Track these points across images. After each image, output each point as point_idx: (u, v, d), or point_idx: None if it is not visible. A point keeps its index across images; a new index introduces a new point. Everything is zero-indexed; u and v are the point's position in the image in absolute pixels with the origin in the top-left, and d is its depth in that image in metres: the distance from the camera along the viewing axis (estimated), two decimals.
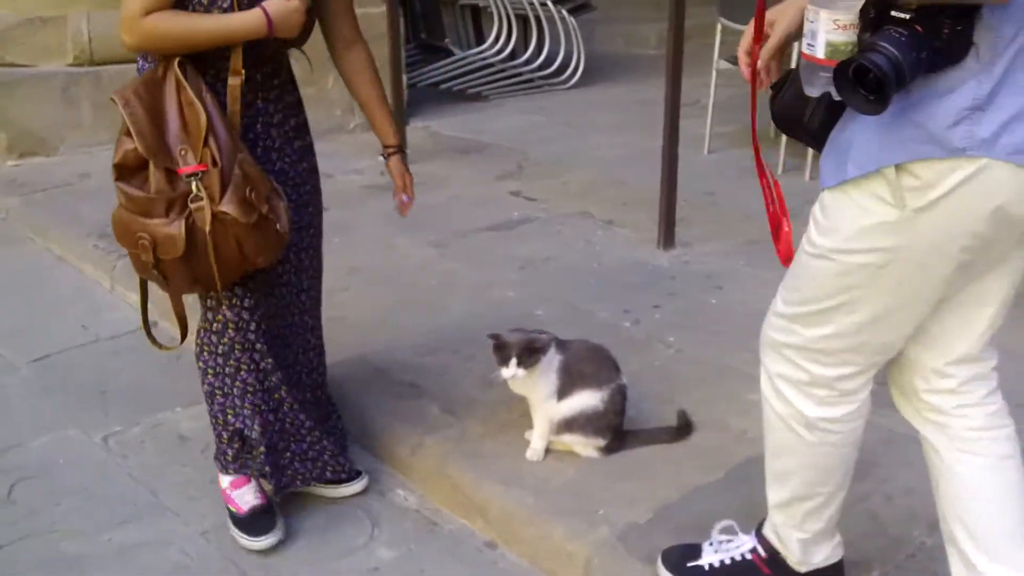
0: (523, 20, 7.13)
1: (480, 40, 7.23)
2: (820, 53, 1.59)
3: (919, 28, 1.47)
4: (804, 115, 1.75)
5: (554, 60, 7.13)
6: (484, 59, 7.00)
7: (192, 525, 2.53)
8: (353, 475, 2.62)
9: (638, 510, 2.38)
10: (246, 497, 2.48)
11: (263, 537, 2.42)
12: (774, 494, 2.02)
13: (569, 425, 2.56)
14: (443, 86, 6.84)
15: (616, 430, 2.60)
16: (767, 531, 2.08)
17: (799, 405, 1.84)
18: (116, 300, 3.85)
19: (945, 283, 1.69)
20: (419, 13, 7.42)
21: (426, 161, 5.35)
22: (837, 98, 1.59)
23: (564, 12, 7.09)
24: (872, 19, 1.55)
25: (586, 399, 2.55)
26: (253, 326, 2.39)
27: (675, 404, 2.82)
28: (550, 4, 7.03)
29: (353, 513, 2.56)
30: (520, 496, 2.46)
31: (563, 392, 2.55)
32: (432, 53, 7.22)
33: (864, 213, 1.64)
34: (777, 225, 1.93)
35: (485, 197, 4.73)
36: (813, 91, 1.65)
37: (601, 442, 2.58)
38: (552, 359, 2.54)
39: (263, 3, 2.17)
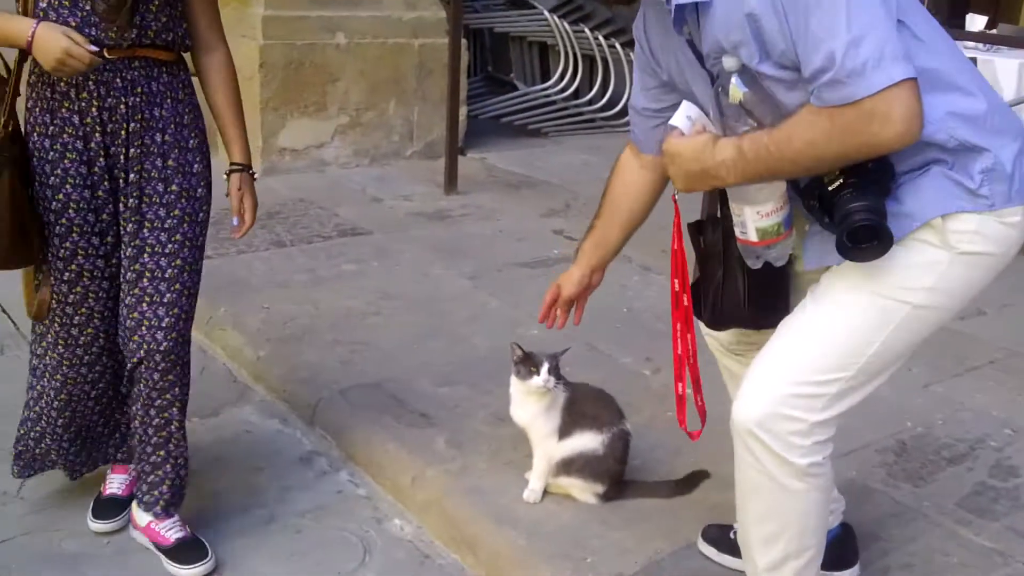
0: (589, 60, 7.17)
1: (545, 77, 7.29)
2: (753, 238, 1.86)
3: (855, 178, 1.66)
4: (742, 303, 2.02)
5: (618, 101, 7.15)
6: (547, 96, 7.05)
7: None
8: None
9: (627, 561, 2.36)
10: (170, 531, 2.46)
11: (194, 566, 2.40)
12: (764, 558, 1.99)
13: (568, 467, 2.55)
14: (504, 120, 6.90)
15: (616, 477, 2.59)
16: None
17: (789, 456, 1.84)
18: None
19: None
20: (487, 46, 7.51)
21: (477, 192, 5.41)
22: (778, 264, 1.93)
23: (631, 54, 7.11)
24: (818, 207, 1.73)
25: (587, 441, 2.54)
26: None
27: (684, 457, 2.80)
28: (618, 46, 7.07)
29: (347, 538, 2.58)
30: (512, 536, 2.45)
31: (564, 432, 2.55)
32: (497, 86, 7.30)
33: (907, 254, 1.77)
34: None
35: (528, 233, 4.75)
36: (756, 264, 1.94)
37: (599, 488, 2.57)
38: (557, 396, 2.54)
39: (40, 22, 2.05)
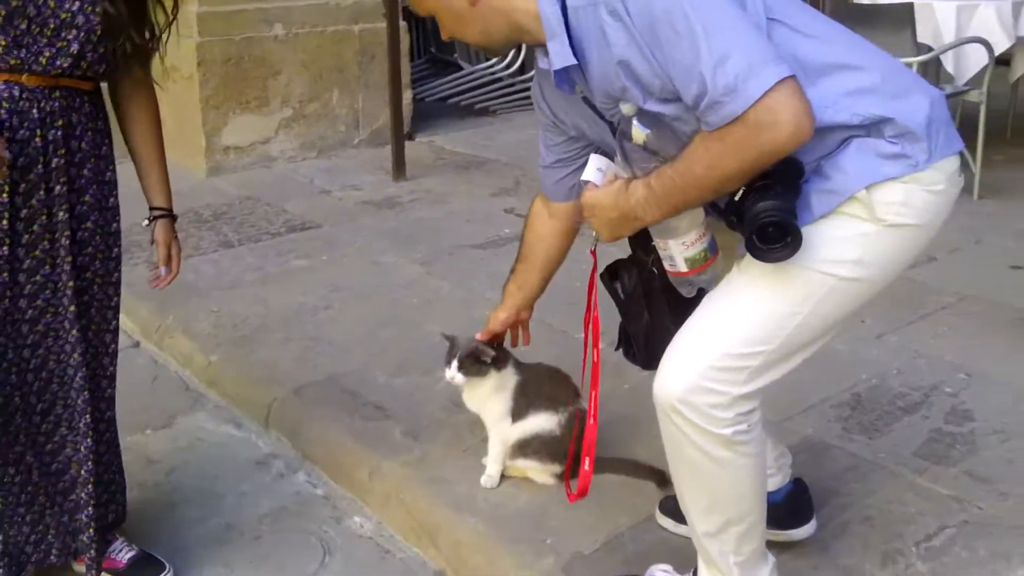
0: None
1: (489, 55, 7.23)
2: (683, 268, 1.91)
3: (761, 181, 1.67)
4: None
5: None
6: (493, 74, 7.01)
7: (148, 550, 2.53)
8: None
9: (588, 539, 2.36)
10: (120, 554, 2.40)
11: None
12: (704, 524, 1.99)
13: (523, 449, 2.54)
14: (451, 101, 6.85)
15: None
16: (703, 573, 2.05)
17: (712, 428, 1.83)
18: None
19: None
20: (429, 28, 7.45)
21: (426, 176, 5.37)
22: (711, 289, 1.93)
23: None
24: (737, 221, 1.73)
25: (542, 422, 2.53)
26: None
27: (643, 429, 2.78)
28: None
29: (306, 540, 2.56)
30: (472, 523, 2.44)
31: (518, 414, 2.53)
32: (442, 67, 7.25)
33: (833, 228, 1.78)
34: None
35: (478, 214, 4.72)
36: (691, 292, 1.99)
37: (557, 468, 2.56)
38: (507, 378, 2.52)
39: None
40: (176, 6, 2.22)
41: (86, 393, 2.23)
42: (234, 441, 3.01)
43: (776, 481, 2.27)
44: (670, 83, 1.68)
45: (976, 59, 5.06)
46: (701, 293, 1.98)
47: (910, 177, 1.75)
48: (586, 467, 2.26)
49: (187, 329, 3.55)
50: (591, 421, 2.22)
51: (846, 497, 2.49)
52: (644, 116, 1.77)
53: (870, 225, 1.76)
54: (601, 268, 2.18)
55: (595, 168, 1.89)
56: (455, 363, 2.47)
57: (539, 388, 2.57)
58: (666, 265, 1.94)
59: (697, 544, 2.04)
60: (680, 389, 1.81)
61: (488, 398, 2.52)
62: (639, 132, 1.78)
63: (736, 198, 1.71)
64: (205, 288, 3.89)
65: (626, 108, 1.78)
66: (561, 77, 1.83)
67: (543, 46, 1.83)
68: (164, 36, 2.24)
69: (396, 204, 4.93)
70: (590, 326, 2.21)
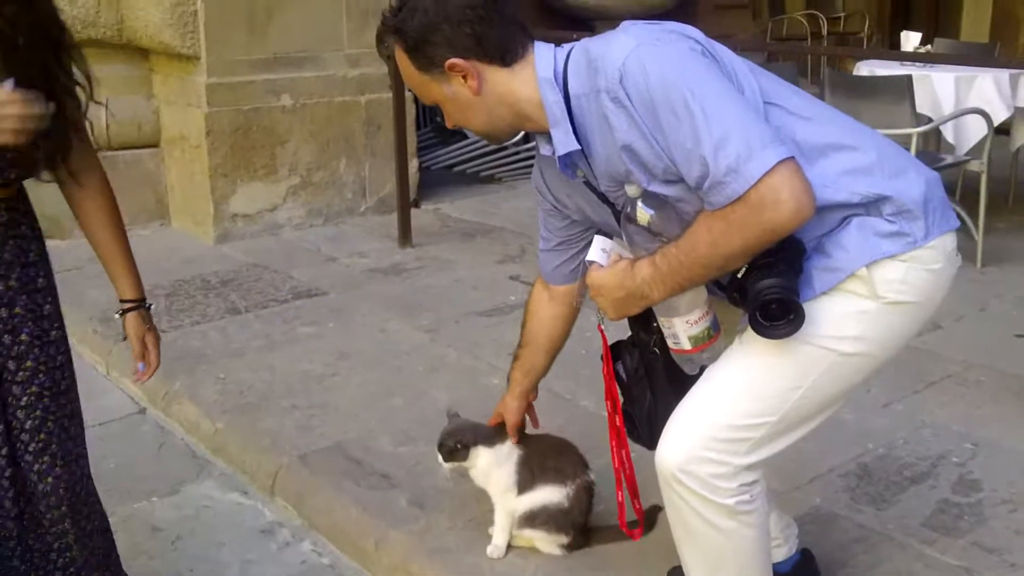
0: None
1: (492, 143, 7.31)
2: (687, 346, 1.91)
3: (764, 259, 1.70)
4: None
5: None
6: None
7: None
8: None
9: None
10: None
11: None
12: None
13: (531, 520, 2.53)
14: (457, 168, 6.92)
15: (581, 527, 2.57)
16: None
17: (715, 498, 1.85)
18: (109, 385, 3.89)
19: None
20: None
21: (432, 244, 5.41)
22: (712, 364, 1.93)
23: None
24: (740, 298, 1.76)
25: (549, 494, 2.52)
26: None
27: (647, 498, 2.78)
28: None
29: None
30: None
31: (524, 486, 2.52)
32: (447, 136, 7.32)
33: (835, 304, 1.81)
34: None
35: (484, 281, 4.75)
36: (694, 370, 1.98)
37: (564, 539, 2.55)
38: (509, 452, 2.52)
39: None
40: (90, 80, 2.02)
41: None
42: (241, 509, 3.01)
43: (783, 552, 2.27)
44: (673, 165, 1.71)
45: (976, 129, 5.12)
46: (703, 371, 1.99)
47: (909, 255, 1.79)
48: (637, 506, 2.44)
49: (193, 396, 3.56)
50: (627, 472, 2.35)
51: (854, 568, 2.48)
52: (648, 198, 1.80)
53: (870, 302, 1.79)
54: (610, 340, 2.20)
55: (599, 248, 1.92)
56: (440, 455, 2.51)
57: (544, 460, 2.56)
58: (670, 343, 1.95)
59: None
60: (681, 459, 1.84)
61: (490, 473, 2.52)
62: (643, 214, 1.82)
63: (739, 275, 1.74)
64: (212, 355, 3.90)
65: (631, 190, 1.82)
66: (564, 162, 1.87)
67: (546, 133, 1.87)
68: (84, 107, 2.04)
69: (402, 271, 4.96)
70: (609, 395, 2.23)
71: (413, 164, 5.94)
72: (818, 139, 1.77)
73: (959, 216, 4.97)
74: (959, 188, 5.39)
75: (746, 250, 1.68)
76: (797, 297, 1.71)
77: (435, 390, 3.55)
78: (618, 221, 1.92)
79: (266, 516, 2.97)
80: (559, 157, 1.85)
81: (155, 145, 5.80)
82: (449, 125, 1.99)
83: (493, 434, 2.52)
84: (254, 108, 5.52)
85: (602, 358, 2.19)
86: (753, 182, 1.60)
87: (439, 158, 7.00)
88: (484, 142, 7.03)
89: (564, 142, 1.83)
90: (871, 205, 1.78)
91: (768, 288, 1.69)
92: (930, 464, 2.98)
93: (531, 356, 2.42)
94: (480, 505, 2.71)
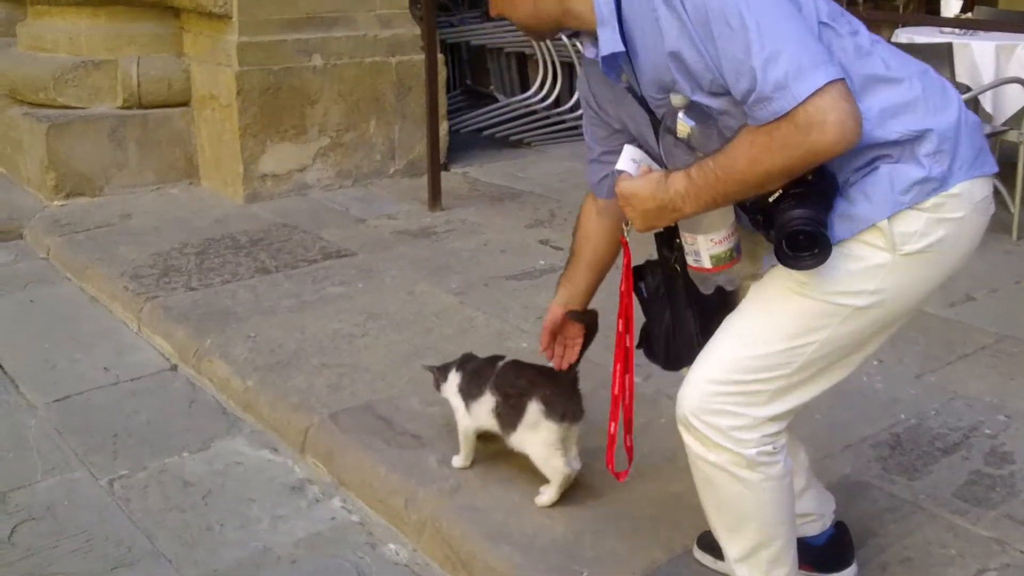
0: (568, 67, 7.16)
1: (525, 87, 7.28)
2: (708, 264, 1.88)
3: (797, 188, 1.68)
4: (694, 339, 2.00)
5: None
6: (528, 106, 7.04)
7: (183, 572, 2.54)
8: None
9: (623, 572, 2.35)
10: None
11: None
12: (734, 548, 2.01)
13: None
14: (486, 132, 6.89)
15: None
16: None
17: (736, 448, 1.86)
18: (141, 342, 3.91)
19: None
20: (465, 60, 7.51)
21: (461, 207, 5.40)
22: (730, 288, 1.99)
23: None
24: (763, 221, 1.75)
25: (487, 403, 2.63)
26: None
27: (679, 461, 2.78)
28: None
29: (341, 565, 2.56)
30: (507, 553, 2.44)
31: (468, 403, 2.69)
32: (477, 99, 7.29)
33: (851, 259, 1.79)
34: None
35: (513, 245, 4.73)
36: (709, 290, 1.98)
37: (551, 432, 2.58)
38: (452, 378, 2.73)
39: None
40: None
41: None
42: (271, 465, 3.02)
43: (817, 526, 2.26)
44: (720, 77, 1.68)
45: (1014, 98, 5.05)
46: (719, 291, 1.99)
47: (931, 203, 1.76)
48: (628, 443, 2.36)
49: (224, 353, 3.58)
50: (627, 401, 2.26)
51: (884, 538, 2.47)
52: (691, 109, 1.77)
53: (887, 255, 1.77)
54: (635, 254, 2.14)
55: (629, 158, 1.89)
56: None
57: (472, 380, 2.70)
58: (690, 260, 1.92)
59: (730, 572, 2.04)
60: (697, 409, 1.86)
61: (448, 401, 2.76)
62: (684, 126, 1.78)
63: (771, 199, 1.72)
64: (242, 313, 3.91)
65: (675, 99, 1.78)
66: (608, 64, 1.83)
67: (592, 33, 1.83)
68: None
69: (431, 234, 4.95)
70: (623, 313, 2.17)
71: (443, 127, 5.91)
72: (864, 69, 1.74)
73: (995, 188, 4.95)
74: (995, 158, 5.31)
75: (785, 170, 1.66)
76: (825, 230, 1.70)
77: (464, 352, 3.54)
78: (657, 133, 1.88)
79: (296, 473, 2.98)
80: (602, 58, 1.81)
81: (185, 104, 5.80)
82: (493, 13, 1.97)
83: (449, 366, 2.77)
84: (285, 68, 5.51)
85: (622, 273, 2.14)
86: (800, 100, 1.57)
87: (468, 121, 6.97)
88: (514, 106, 7.01)
89: (610, 42, 1.79)
90: (905, 145, 1.74)
91: (797, 218, 1.68)
92: (962, 435, 2.96)
93: (575, 267, 2.37)
94: (510, 463, 2.73)
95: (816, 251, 1.69)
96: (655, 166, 1.88)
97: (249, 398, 3.34)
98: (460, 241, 4.84)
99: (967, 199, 1.79)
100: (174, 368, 3.70)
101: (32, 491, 2.89)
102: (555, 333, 2.45)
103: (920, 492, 2.66)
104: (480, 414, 2.65)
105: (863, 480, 2.71)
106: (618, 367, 2.21)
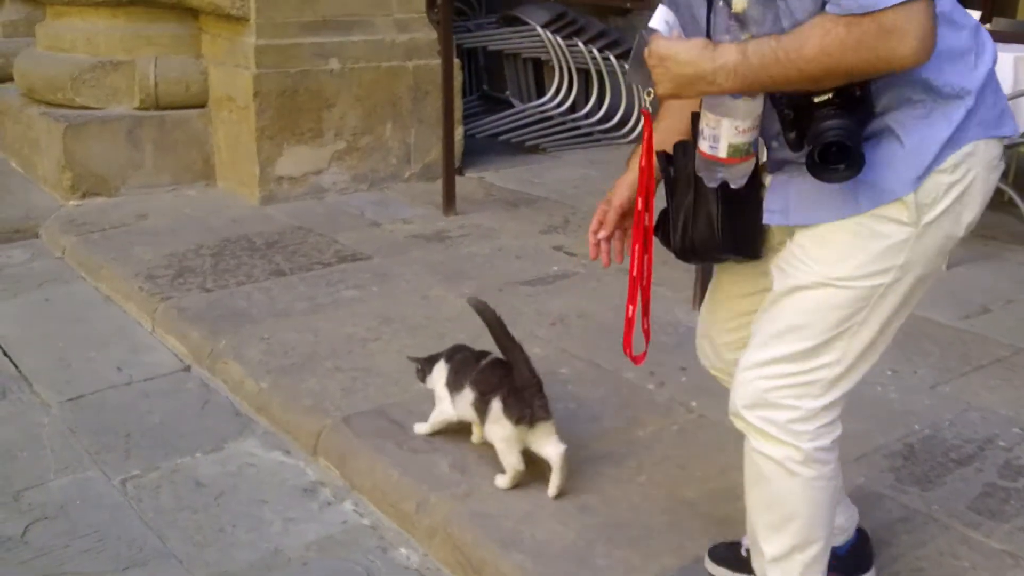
0: (584, 73, 7.17)
1: (541, 93, 7.29)
2: (722, 153, 1.78)
3: (842, 98, 1.64)
4: (715, 228, 1.92)
5: (614, 114, 7.15)
6: (544, 111, 7.05)
7: (194, 572, 2.55)
8: None
9: None
10: None
11: None
12: (772, 547, 2.00)
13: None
14: (502, 138, 6.89)
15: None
16: None
17: (794, 442, 1.87)
18: (155, 342, 3.92)
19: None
20: (482, 65, 7.52)
21: (475, 212, 5.40)
22: (735, 186, 1.83)
23: (626, 66, 7.13)
24: (793, 119, 1.70)
25: (467, 397, 2.77)
26: None
27: (690, 470, 2.79)
28: (612, 59, 7.06)
29: (353, 569, 2.56)
30: (518, 559, 2.43)
31: (453, 394, 2.85)
32: (493, 104, 7.31)
33: (877, 238, 1.77)
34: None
35: (527, 251, 4.73)
36: (713, 183, 1.86)
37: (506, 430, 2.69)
38: (439, 369, 2.90)
39: None
40: None
41: None
42: (283, 468, 3.03)
43: (843, 539, 2.26)
44: None
45: None
46: (738, 194, 1.88)
47: (951, 164, 1.75)
48: (645, 325, 2.20)
49: (238, 355, 3.59)
50: (644, 284, 2.12)
51: (897, 548, 2.46)
52: None
53: (910, 229, 1.77)
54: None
55: (663, 19, 1.82)
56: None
57: (468, 369, 2.85)
58: (703, 146, 1.81)
59: (762, 574, 2.03)
60: (752, 404, 1.87)
61: (433, 389, 2.95)
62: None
63: (816, 99, 1.65)
64: (257, 315, 3.92)
65: None
66: None
67: None
68: None
69: (445, 238, 4.95)
70: (643, 191, 2.01)
71: (459, 132, 5.92)
72: (938, 6, 1.66)
73: (1012, 200, 4.93)
74: (1012, 170, 5.30)
75: (850, 71, 1.61)
76: (859, 146, 1.65)
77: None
78: (710, 3, 1.79)
79: (308, 475, 2.99)
80: None
81: (202, 105, 5.82)
82: None
83: (435, 357, 2.93)
84: (302, 71, 5.53)
85: (642, 148, 1.98)
86: (892, 3, 1.54)
87: (484, 126, 6.98)
88: (529, 112, 7.01)
89: None
90: (941, 101, 1.72)
91: (834, 128, 1.63)
92: (976, 447, 2.94)
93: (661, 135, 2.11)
94: (524, 470, 2.73)
95: (846, 166, 1.65)
96: (682, 35, 1.79)
97: (262, 400, 3.35)
98: (474, 246, 4.84)
99: (981, 157, 1.78)
100: (188, 369, 3.70)
101: (45, 490, 2.90)
102: (623, 216, 2.17)
103: (933, 503, 2.65)
104: (462, 406, 2.81)
105: (876, 490, 2.70)
106: (636, 247, 2.06)
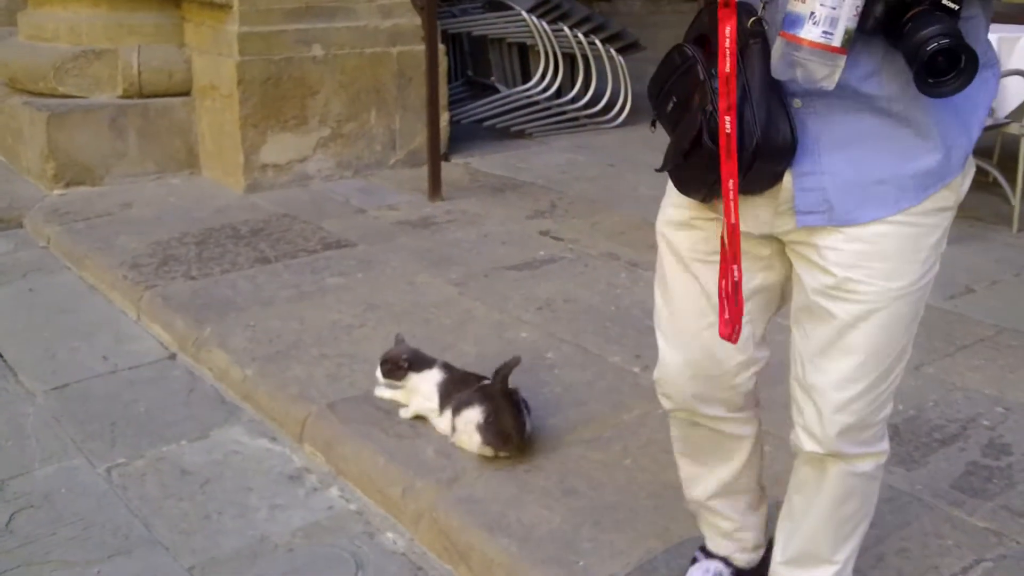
0: (570, 58, 7.15)
1: (526, 78, 7.26)
2: (837, 42, 1.48)
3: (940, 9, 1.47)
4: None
5: (600, 98, 7.13)
6: (529, 96, 7.03)
7: (180, 559, 2.54)
8: None
9: (620, 563, 2.35)
10: None
11: None
12: (843, 553, 2.01)
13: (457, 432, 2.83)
14: (487, 123, 6.87)
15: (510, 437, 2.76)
16: None
17: (883, 447, 1.92)
18: (140, 331, 3.91)
19: None
20: (467, 50, 7.50)
21: (461, 198, 5.39)
22: (826, 86, 1.52)
23: (612, 51, 7.11)
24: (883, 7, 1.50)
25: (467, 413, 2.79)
26: None
27: (673, 454, 2.79)
28: (598, 43, 7.05)
29: (339, 554, 2.56)
30: (504, 543, 2.44)
31: (443, 406, 2.89)
32: (479, 90, 7.28)
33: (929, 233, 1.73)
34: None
35: (514, 236, 4.73)
36: (787, 76, 1.56)
37: (490, 451, 2.77)
38: (432, 377, 2.94)
39: None
40: None
41: None
42: (269, 454, 3.03)
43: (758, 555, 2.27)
44: None
45: (1016, 91, 5.03)
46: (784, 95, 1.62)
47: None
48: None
49: (223, 343, 3.58)
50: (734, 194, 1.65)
51: (881, 528, 2.47)
52: None
53: (950, 214, 1.75)
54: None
55: None
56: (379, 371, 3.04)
57: (461, 384, 2.90)
58: (812, 33, 1.49)
59: None
60: (849, 438, 1.84)
61: (416, 391, 2.98)
62: None
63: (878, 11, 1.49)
64: (242, 303, 3.91)
65: None
66: None
67: None
68: None
69: (431, 224, 4.95)
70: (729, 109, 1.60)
71: (444, 117, 5.90)
72: None
73: (997, 181, 4.94)
74: (997, 151, 5.31)
75: None
76: (966, 43, 1.46)
77: (463, 343, 3.55)
78: None
79: (294, 462, 2.99)
80: None
81: (186, 94, 5.79)
82: None
83: (423, 361, 2.97)
84: (285, 58, 5.50)
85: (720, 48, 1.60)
86: None
87: (469, 112, 6.96)
88: (515, 97, 6.99)
89: None
90: (989, 64, 1.68)
91: (935, 36, 1.44)
92: (960, 427, 2.96)
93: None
94: (508, 455, 2.73)
95: (958, 71, 1.46)
96: None
97: (248, 387, 3.34)
98: (460, 232, 4.84)
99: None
100: (173, 357, 3.69)
101: (30, 479, 2.89)
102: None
103: (917, 483, 2.66)
104: (442, 423, 2.90)
105: None
106: (730, 183, 1.63)
